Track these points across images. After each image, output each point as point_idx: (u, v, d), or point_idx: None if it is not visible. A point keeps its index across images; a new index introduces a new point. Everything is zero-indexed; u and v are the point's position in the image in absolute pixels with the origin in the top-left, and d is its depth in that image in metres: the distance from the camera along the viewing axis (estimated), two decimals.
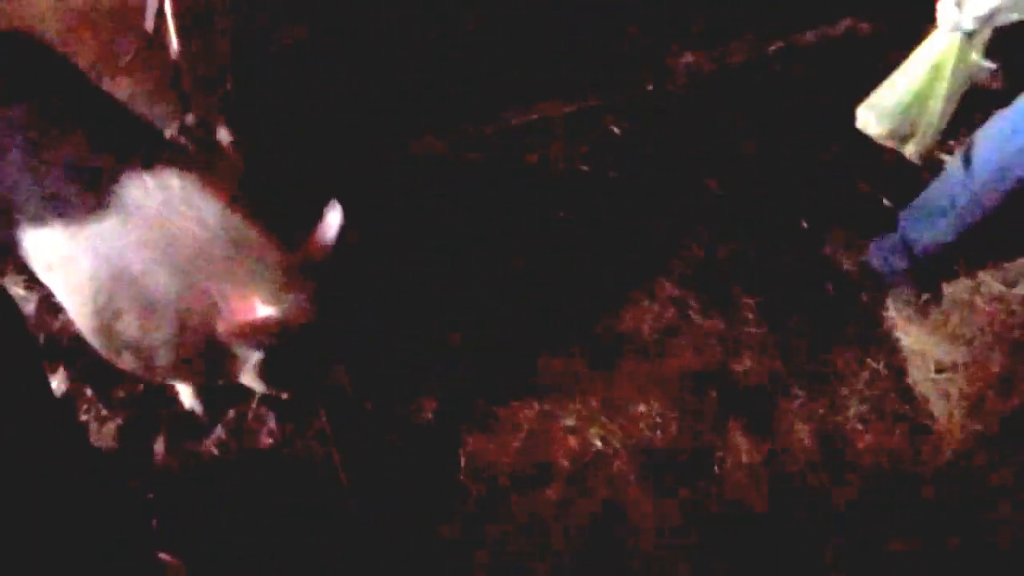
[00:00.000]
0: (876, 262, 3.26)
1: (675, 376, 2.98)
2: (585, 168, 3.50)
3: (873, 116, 3.12)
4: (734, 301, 3.18)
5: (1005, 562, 2.66)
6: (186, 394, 2.80)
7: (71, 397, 2.78)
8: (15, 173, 2.32)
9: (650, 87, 3.70)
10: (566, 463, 2.78)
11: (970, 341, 3.11)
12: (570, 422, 2.86)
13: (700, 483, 2.77)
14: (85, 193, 2.29)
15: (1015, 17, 2.57)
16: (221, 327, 2.24)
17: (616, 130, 3.60)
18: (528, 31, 3.52)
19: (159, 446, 2.71)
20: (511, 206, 3.36)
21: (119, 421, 2.75)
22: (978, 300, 3.18)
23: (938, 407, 2.97)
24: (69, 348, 2.84)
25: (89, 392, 2.79)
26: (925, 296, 3.20)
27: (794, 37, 3.84)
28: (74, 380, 2.80)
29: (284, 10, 3.16)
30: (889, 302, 3.20)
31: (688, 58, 3.78)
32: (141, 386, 2.79)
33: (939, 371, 3.05)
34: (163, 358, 2.36)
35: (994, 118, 2.84)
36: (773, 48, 3.82)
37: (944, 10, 2.73)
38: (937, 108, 3.03)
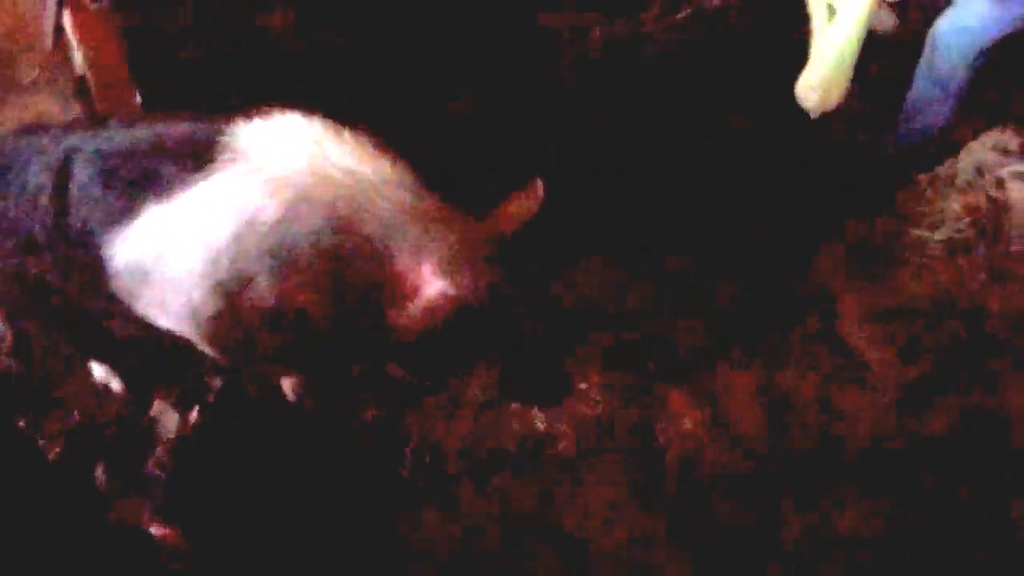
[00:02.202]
0: (888, 151, 3.49)
1: (610, 349, 3.00)
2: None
3: (819, 93, 3.20)
4: (663, 267, 3.19)
5: (947, 505, 2.72)
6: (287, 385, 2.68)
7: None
8: (85, 186, 2.13)
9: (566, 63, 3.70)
10: (512, 448, 2.80)
11: (898, 288, 3.16)
12: (513, 406, 2.87)
13: (645, 455, 2.79)
14: (180, 160, 2.08)
15: None
16: (389, 299, 2.09)
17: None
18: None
19: (100, 472, 2.68)
20: None
21: (57, 450, 2.71)
22: (901, 248, 3.24)
23: (873, 356, 3.01)
24: None
25: (23, 424, 2.74)
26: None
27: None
28: (6, 413, 2.75)
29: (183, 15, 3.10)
30: (818, 257, 3.25)
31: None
32: (76, 414, 2.76)
33: (871, 320, 3.10)
34: (307, 332, 2.16)
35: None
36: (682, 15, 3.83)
37: None
38: (853, 58, 3.10)
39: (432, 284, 2.09)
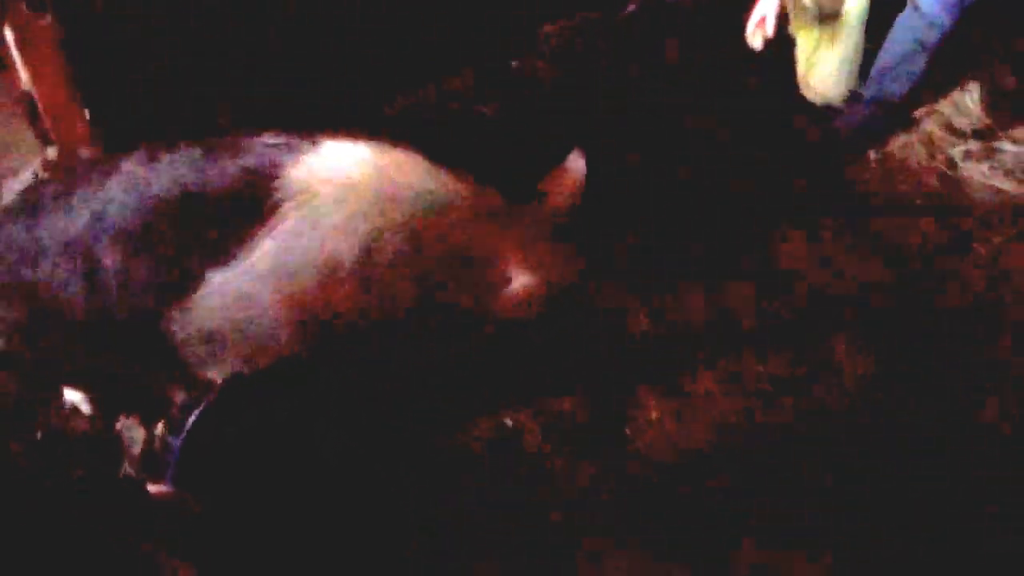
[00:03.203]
0: (843, 125, 3.54)
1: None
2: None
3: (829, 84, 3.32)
4: (621, 256, 3.20)
5: (914, 488, 2.73)
6: None
7: None
8: (123, 270, 2.00)
9: (515, 63, 3.70)
10: (480, 447, 2.79)
11: (858, 271, 3.19)
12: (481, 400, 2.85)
13: (614, 447, 2.79)
14: (233, 214, 1.98)
15: None
16: (480, 302, 2.08)
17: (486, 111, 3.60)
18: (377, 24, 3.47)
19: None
20: None
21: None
22: (858, 229, 3.28)
23: (836, 340, 3.03)
24: None
25: None
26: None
27: None
28: None
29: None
30: (782, 236, 3.27)
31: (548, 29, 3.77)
32: (39, 433, 2.73)
33: (833, 303, 3.12)
34: (399, 351, 2.16)
35: None
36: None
37: None
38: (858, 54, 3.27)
39: (519, 278, 2.10)
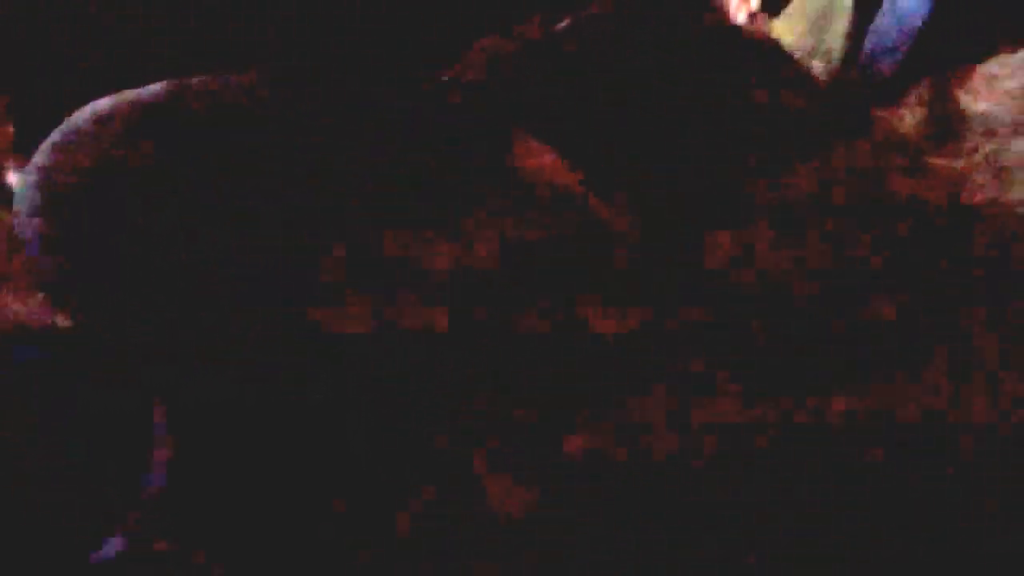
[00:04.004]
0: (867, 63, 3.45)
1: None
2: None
3: (786, 23, 3.34)
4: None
5: (915, 488, 2.75)
6: None
7: None
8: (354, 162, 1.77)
9: (446, 76, 3.68)
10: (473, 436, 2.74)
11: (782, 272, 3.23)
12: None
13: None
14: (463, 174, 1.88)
15: None
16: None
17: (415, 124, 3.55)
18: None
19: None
20: None
21: None
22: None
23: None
24: None
25: None
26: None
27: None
28: None
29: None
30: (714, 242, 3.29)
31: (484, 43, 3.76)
32: None
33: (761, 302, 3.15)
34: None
35: None
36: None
37: None
38: (841, 28, 3.24)
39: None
